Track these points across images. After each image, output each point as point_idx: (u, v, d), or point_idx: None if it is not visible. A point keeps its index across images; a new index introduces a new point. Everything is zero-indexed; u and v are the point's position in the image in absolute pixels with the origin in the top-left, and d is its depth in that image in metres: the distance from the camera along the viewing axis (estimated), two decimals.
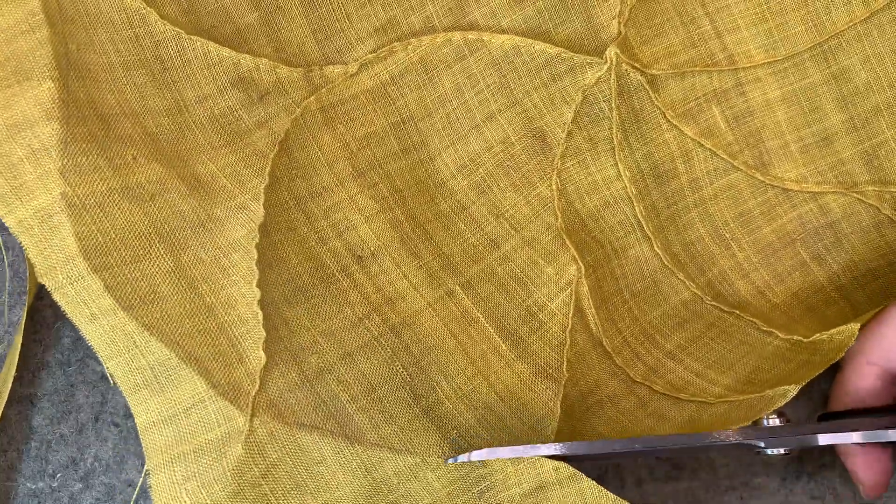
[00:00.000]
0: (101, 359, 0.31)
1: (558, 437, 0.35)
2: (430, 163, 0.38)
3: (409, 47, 0.37)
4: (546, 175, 0.38)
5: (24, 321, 0.37)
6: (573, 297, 0.36)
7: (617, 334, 0.37)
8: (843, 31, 0.39)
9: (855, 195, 0.39)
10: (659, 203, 0.39)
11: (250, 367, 0.32)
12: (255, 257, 0.33)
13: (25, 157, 0.31)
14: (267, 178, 0.34)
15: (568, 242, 0.37)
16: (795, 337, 0.37)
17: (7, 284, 0.38)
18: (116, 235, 0.31)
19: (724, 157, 0.39)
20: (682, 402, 0.37)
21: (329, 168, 0.36)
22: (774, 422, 0.32)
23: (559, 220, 0.37)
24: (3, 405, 0.36)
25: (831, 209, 0.39)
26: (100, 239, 0.31)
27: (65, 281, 0.31)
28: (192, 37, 0.35)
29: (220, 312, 0.32)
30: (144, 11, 0.35)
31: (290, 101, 0.36)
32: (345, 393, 0.33)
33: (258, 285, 0.32)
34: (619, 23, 0.37)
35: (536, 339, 0.36)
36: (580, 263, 0.37)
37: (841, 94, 0.39)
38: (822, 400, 0.38)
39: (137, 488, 0.37)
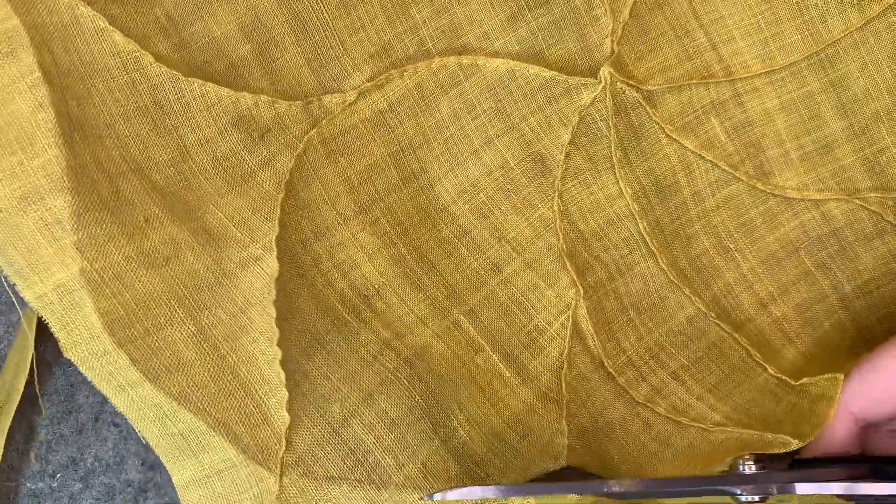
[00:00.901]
0: (132, 424, 0.32)
1: (571, 454, 0.36)
2: (431, 189, 0.38)
3: (405, 74, 0.37)
4: (547, 197, 0.38)
5: (23, 321, 0.37)
6: (571, 321, 0.37)
7: (621, 353, 0.38)
8: (839, 38, 0.39)
9: (857, 201, 0.40)
10: (663, 218, 0.39)
11: (276, 427, 0.33)
12: (274, 315, 0.33)
13: (38, 230, 0.31)
14: (277, 227, 0.34)
15: (568, 265, 0.38)
16: (783, 377, 0.37)
17: (7, 284, 0.38)
18: (137, 306, 0.31)
19: (726, 168, 0.39)
20: (684, 427, 0.37)
21: (332, 206, 0.36)
22: (751, 468, 0.33)
23: (561, 241, 0.38)
24: (14, 408, 0.37)
25: (834, 216, 0.40)
26: (121, 312, 0.31)
27: (90, 356, 0.31)
28: (189, 78, 0.35)
29: (242, 372, 0.33)
30: (138, 54, 0.34)
31: (292, 136, 0.36)
32: (369, 435, 0.33)
33: (279, 344, 0.33)
34: (613, 41, 0.38)
35: (537, 363, 0.37)
36: (579, 286, 0.37)
37: (840, 101, 0.40)
38: None
39: None
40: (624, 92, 0.38)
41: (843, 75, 0.39)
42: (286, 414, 0.33)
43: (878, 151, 0.40)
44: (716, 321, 0.39)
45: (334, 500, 0.33)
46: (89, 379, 0.31)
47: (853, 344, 0.40)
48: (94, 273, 0.31)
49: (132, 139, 0.34)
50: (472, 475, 0.34)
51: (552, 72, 0.38)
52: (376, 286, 0.36)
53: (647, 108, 0.38)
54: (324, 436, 0.33)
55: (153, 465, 0.38)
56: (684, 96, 0.39)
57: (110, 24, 0.33)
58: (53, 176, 0.30)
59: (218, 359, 0.32)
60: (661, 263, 0.39)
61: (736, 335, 0.39)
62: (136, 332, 0.31)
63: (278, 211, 0.35)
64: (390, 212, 0.37)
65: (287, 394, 0.33)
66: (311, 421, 0.33)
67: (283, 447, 0.32)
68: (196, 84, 0.35)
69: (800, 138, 0.40)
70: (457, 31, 0.38)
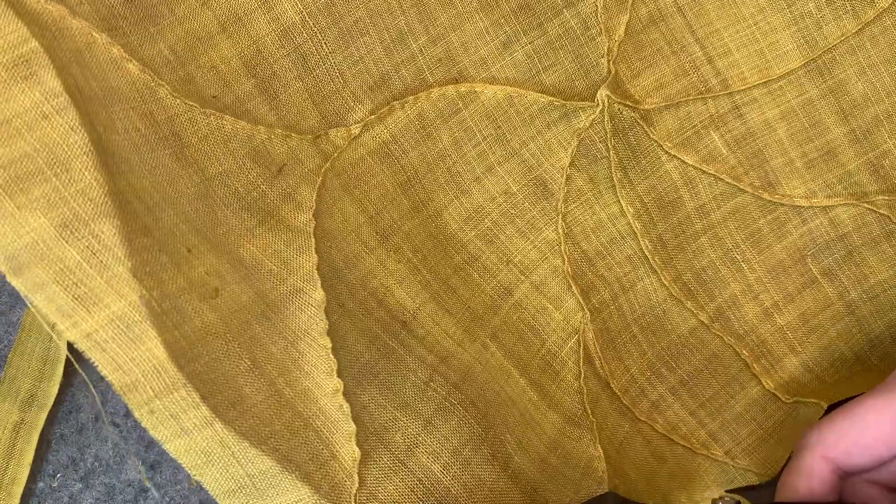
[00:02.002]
0: (186, 468, 0.30)
1: (612, 477, 0.37)
2: (439, 217, 0.39)
3: (405, 105, 0.38)
4: (551, 220, 0.40)
5: (24, 321, 0.38)
6: (581, 345, 0.38)
7: (625, 372, 0.39)
8: (835, 45, 0.40)
9: (866, 205, 0.41)
10: (665, 234, 0.40)
11: (344, 462, 0.32)
12: (330, 345, 0.32)
13: (85, 260, 0.28)
14: (315, 255, 0.34)
15: (574, 287, 0.39)
16: (776, 393, 0.39)
17: (7, 284, 0.38)
18: (196, 339, 0.30)
19: (729, 180, 0.40)
20: (674, 443, 0.39)
21: (356, 235, 0.36)
22: None
23: (566, 263, 0.39)
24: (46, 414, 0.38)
25: (842, 221, 0.41)
26: (184, 345, 0.29)
27: (153, 395, 0.29)
28: (206, 110, 0.34)
29: (300, 407, 0.32)
30: (154, 85, 0.33)
31: (307, 169, 0.36)
32: (436, 464, 0.33)
33: (338, 374, 0.32)
34: (609, 61, 0.39)
35: (556, 388, 0.38)
36: (586, 311, 0.38)
37: (839, 106, 0.41)
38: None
39: None
40: (621, 112, 0.40)
41: (841, 81, 0.40)
42: (356, 448, 0.32)
43: (881, 155, 0.41)
44: (717, 333, 0.40)
45: None
46: (145, 424, 0.29)
47: (860, 351, 0.41)
48: (154, 302, 0.28)
49: (159, 169, 0.32)
50: (533, 501, 0.34)
51: (549, 97, 0.39)
52: (411, 311, 0.36)
53: (645, 127, 0.40)
54: (391, 467, 0.32)
55: (153, 465, 0.39)
56: (682, 112, 0.40)
57: (125, 52, 0.32)
58: (97, 200, 0.28)
59: (276, 394, 0.31)
60: (663, 280, 0.40)
61: (737, 346, 0.40)
62: (200, 367, 0.29)
63: (313, 241, 0.34)
64: (409, 239, 0.38)
65: (355, 427, 0.32)
66: (376, 453, 0.32)
67: (357, 483, 0.32)
68: (212, 117, 0.34)
69: (803, 146, 0.41)
70: (453, 59, 0.39)
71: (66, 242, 0.28)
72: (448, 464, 0.33)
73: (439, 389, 0.34)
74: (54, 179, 0.28)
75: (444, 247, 0.39)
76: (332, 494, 0.31)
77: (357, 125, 0.37)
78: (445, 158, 0.39)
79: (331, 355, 0.32)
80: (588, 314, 0.39)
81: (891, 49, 0.40)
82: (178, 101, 0.33)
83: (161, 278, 0.29)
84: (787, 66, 0.40)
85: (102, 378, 0.35)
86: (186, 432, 0.29)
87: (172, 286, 0.29)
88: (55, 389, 0.38)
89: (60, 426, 0.39)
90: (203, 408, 0.29)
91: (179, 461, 0.30)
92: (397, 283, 0.36)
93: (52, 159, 0.28)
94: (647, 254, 0.40)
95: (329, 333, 0.33)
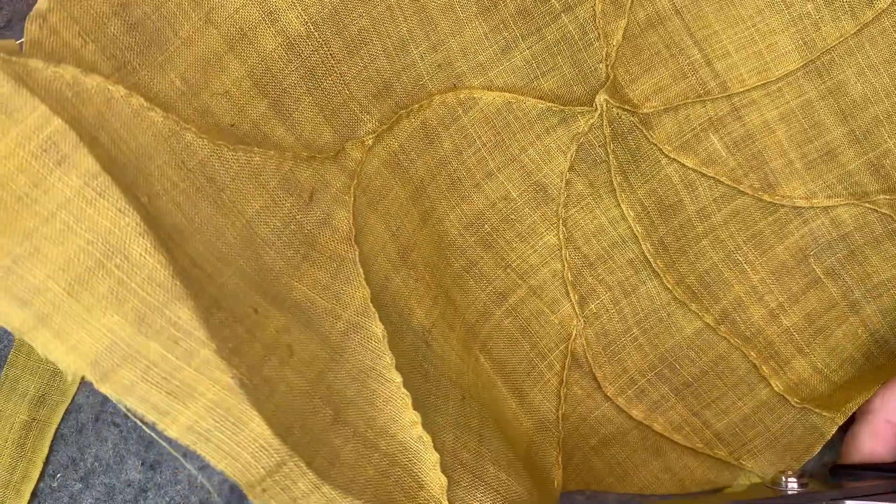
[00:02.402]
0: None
1: (564, 488, 0.37)
2: (441, 225, 0.39)
3: (410, 113, 0.38)
4: (552, 224, 0.40)
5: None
6: (569, 350, 0.39)
7: (622, 373, 0.40)
8: (834, 46, 0.40)
9: (867, 205, 0.41)
10: (667, 238, 0.41)
11: (434, 492, 0.32)
12: (400, 380, 0.32)
13: (168, 350, 0.27)
14: (366, 286, 0.33)
15: (571, 294, 0.39)
16: (786, 395, 0.39)
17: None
18: (286, 404, 0.29)
19: (729, 182, 0.41)
20: (675, 444, 0.40)
21: (385, 256, 0.36)
22: (793, 485, 0.34)
23: (565, 269, 0.39)
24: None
25: (843, 221, 0.41)
26: (279, 414, 0.28)
27: (265, 474, 0.28)
28: (234, 146, 0.32)
29: (385, 447, 0.32)
30: (179, 129, 0.31)
31: (335, 190, 0.35)
32: (501, 472, 0.33)
33: (415, 408, 0.32)
34: (607, 66, 0.39)
35: (537, 391, 0.38)
36: (579, 318, 0.39)
37: (839, 107, 0.41)
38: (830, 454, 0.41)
39: None
40: (620, 117, 0.40)
41: (840, 82, 0.41)
42: (442, 476, 0.31)
43: (882, 154, 0.41)
44: (724, 335, 0.40)
45: None
46: (256, 503, 0.28)
47: (867, 351, 0.41)
48: (244, 378, 0.27)
49: (206, 225, 0.30)
50: None
51: (547, 103, 0.39)
52: (429, 329, 0.36)
53: (644, 131, 0.40)
54: (471, 484, 0.32)
55: (153, 465, 0.39)
56: (681, 115, 0.41)
57: (147, 100, 0.30)
58: (165, 285, 0.26)
59: (361, 439, 0.31)
60: (665, 283, 0.40)
61: (744, 349, 0.40)
62: (297, 433, 0.29)
63: (361, 270, 0.33)
64: (422, 253, 0.38)
65: (439, 456, 0.31)
66: (456, 475, 0.32)
67: None
68: (241, 151, 0.32)
69: (802, 147, 0.41)
70: (452, 65, 0.39)
71: (146, 336, 0.26)
72: (509, 469, 0.34)
73: (472, 404, 0.35)
74: (116, 271, 0.26)
75: (446, 255, 0.39)
76: None
77: (370, 136, 0.37)
78: (447, 165, 0.39)
79: (403, 389, 0.32)
80: (582, 320, 0.40)
81: (890, 50, 0.40)
82: (206, 141, 0.32)
83: (244, 351, 0.28)
84: (785, 68, 0.40)
85: None
86: (295, 501, 0.28)
87: (254, 357, 0.28)
88: (74, 388, 0.39)
89: (60, 426, 0.39)
90: (310, 474, 0.28)
91: None
92: (417, 302, 0.36)
93: (109, 249, 0.26)
94: (648, 257, 0.40)
95: (399, 367, 0.32)
